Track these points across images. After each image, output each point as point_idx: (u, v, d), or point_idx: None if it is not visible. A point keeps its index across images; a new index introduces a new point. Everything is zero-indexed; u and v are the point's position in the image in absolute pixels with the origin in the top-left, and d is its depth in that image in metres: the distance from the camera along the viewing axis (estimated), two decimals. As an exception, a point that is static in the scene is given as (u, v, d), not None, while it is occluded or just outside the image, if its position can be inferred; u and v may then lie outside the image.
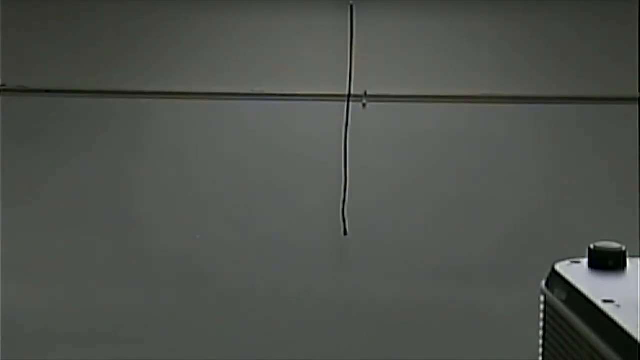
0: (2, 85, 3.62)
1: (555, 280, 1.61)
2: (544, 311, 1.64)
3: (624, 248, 1.63)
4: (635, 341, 1.25)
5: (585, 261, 1.65)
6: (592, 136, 3.68)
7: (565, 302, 1.53)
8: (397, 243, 3.71)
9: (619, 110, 3.63)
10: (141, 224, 3.71)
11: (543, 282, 1.66)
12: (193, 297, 3.74)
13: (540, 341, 1.66)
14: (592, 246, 1.64)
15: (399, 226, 3.71)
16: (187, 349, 3.75)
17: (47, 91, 3.62)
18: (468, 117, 3.66)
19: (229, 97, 3.64)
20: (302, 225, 3.71)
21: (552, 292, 1.60)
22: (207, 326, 3.74)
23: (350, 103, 3.61)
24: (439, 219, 3.71)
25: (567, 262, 1.67)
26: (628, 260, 1.63)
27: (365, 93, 3.62)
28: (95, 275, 3.72)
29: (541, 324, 1.65)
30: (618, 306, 1.39)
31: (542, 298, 1.65)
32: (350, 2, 3.56)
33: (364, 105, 3.63)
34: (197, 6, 3.61)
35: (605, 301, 1.41)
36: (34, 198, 3.70)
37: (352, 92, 3.60)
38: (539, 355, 1.66)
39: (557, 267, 1.65)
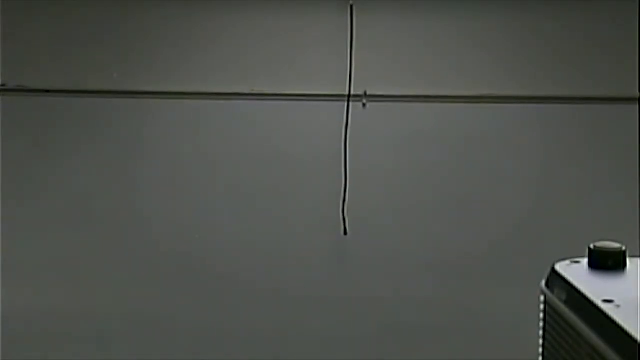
0: (2, 85, 3.62)
1: (555, 280, 1.61)
2: (544, 311, 1.64)
3: (624, 248, 1.63)
4: (635, 341, 1.25)
5: (585, 261, 1.65)
6: (592, 136, 3.68)
7: (565, 302, 1.53)
8: (397, 243, 3.71)
9: (619, 110, 3.63)
10: (141, 223, 3.71)
11: (543, 282, 1.66)
12: (193, 296, 3.74)
13: (540, 341, 1.66)
14: (592, 246, 1.64)
15: (399, 226, 3.71)
16: (187, 348, 3.75)
17: (47, 91, 3.62)
18: (468, 117, 3.66)
19: (229, 97, 3.64)
20: (302, 225, 3.71)
21: (552, 292, 1.60)
22: (207, 326, 3.74)
23: (350, 103, 3.61)
24: (439, 219, 3.71)
25: (567, 262, 1.67)
26: (628, 260, 1.63)
27: (365, 93, 3.62)
28: (95, 275, 3.72)
29: (541, 324, 1.65)
30: (618, 306, 1.39)
31: (542, 298, 1.65)
32: (350, 2, 3.56)
33: (364, 105, 3.63)
34: (197, 6, 3.62)
35: (605, 301, 1.41)
36: (34, 198, 3.70)
37: (352, 92, 3.60)
38: (539, 355, 1.66)
39: (557, 267, 1.65)
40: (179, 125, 3.68)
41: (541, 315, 1.65)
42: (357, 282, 3.74)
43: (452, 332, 3.73)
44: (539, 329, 1.66)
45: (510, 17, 3.62)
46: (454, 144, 3.68)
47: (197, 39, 3.65)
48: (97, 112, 3.66)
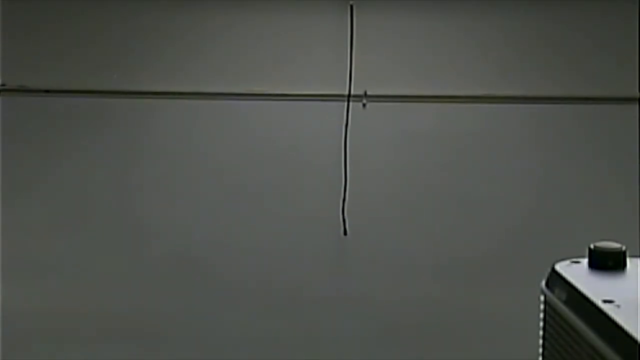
0: (2, 85, 3.62)
1: (555, 280, 1.60)
2: (544, 311, 1.64)
3: (624, 248, 1.63)
4: (635, 341, 1.25)
5: (585, 261, 1.65)
6: (592, 136, 3.68)
7: (565, 302, 1.53)
8: (397, 243, 3.71)
9: (619, 110, 3.63)
10: (141, 223, 3.71)
11: (543, 282, 1.65)
12: (193, 296, 3.74)
13: (540, 341, 1.66)
14: (592, 246, 1.64)
15: (399, 226, 3.71)
16: (187, 348, 3.75)
17: (47, 91, 3.62)
18: (468, 117, 3.66)
19: (229, 97, 3.64)
20: (302, 225, 3.71)
21: (552, 292, 1.60)
22: (206, 326, 3.74)
23: (350, 103, 3.61)
24: (439, 219, 3.71)
25: (567, 262, 1.67)
26: (628, 260, 1.63)
27: (365, 93, 3.62)
28: (95, 275, 3.72)
29: (541, 324, 1.65)
30: (618, 306, 1.39)
31: (542, 298, 1.65)
32: (350, 2, 3.56)
33: (364, 105, 3.63)
34: (197, 6, 3.61)
35: (605, 301, 1.41)
36: (34, 198, 3.70)
37: (352, 92, 3.60)
38: (539, 355, 1.66)
39: (557, 267, 1.64)
40: (179, 125, 3.68)
41: (541, 315, 1.65)
42: (357, 282, 3.74)
43: (452, 332, 3.73)
44: (539, 329, 1.66)
45: (511, 17, 3.62)
46: (454, 144, 3.68)
47: (196, 39, 3.65)
48: (97, 112, 3.65)
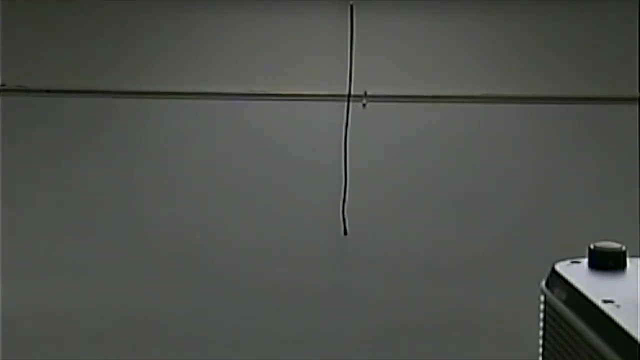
0: (2, 85, 3.62)
1: (555, 280, 1.61)
2: (544, 311, 1.64)
3: (624, 248, 1.63)
4: (635, 341, 1.25)
5: (585, 261, 1.65)
6: (592, 136, 3.68)
7: (565, 302, 1.53)
8: (397, 243, 3.71)
9: (619, 110, 3.63)
10: (141, 223, 3.71)
11: (543, 282, 1.66)
12: (193, 296, 3.74)
13: (540, 341, 1.66)
14: (592, 246, 1.64)
15: (399, 226, 3.71)
16: (186, 348, 3.75)
17: (47, 91, 3.63)
18: (468, 117, 3.66)
19: (229, 97, 3.64)
20: (302, 225, 3.71)
21: (552, 292, 1.60)
22: (206, 325, 3.74)
23: (350, 103, 3.61)
24: (439, 219, 3.71)
25: (567, 262, 1.67)
26: (628, 260, 1.63)
27: (365, 93, 3.62)
28: (95, 275, 3.72)
29: (541, 324, 1.65)
30: (618, 306, 1.39)
31: (542, 298, 1.65)
32: (350, 2, 3.56)
33: (364, 105, 3.63)
34: (197, 6, 3.62)
35: (605, 301, 1.41)
36: (34, 198, 3.70)
37: (352, 92, 3.60)
38: (539, 355, 1.66)
39: (557, 267, 1.65)
40: (179, 125, 3.68)
41: (541, 315, 1.65)
42: (356, 282, 3.74)
43: (452, 332, 3.73)
44: (539, 329, 1.66)
45: (511, 17, 3.62)
46: (454, 144, 3.68)
47: (197, 39, 3.64)
48: (97, 112, 3.65)
